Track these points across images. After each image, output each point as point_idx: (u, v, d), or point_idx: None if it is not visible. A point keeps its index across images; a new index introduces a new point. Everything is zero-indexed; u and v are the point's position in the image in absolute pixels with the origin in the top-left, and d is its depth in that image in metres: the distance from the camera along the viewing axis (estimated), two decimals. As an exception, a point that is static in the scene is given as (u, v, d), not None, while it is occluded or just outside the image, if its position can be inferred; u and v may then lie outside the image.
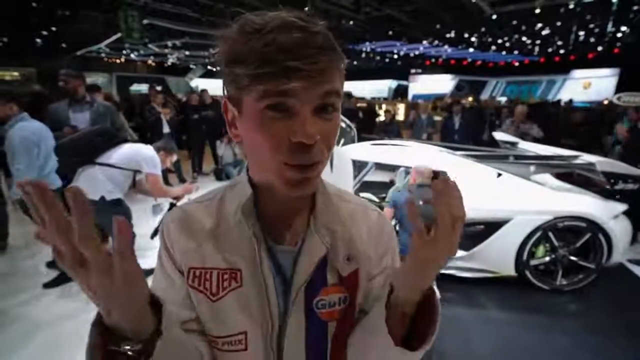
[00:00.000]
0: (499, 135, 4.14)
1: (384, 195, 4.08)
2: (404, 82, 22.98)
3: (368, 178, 3.62)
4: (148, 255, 2.54)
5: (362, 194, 3.95)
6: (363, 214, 0.58)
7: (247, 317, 0.50)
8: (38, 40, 12.09)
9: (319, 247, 0.52)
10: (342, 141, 4.46)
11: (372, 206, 0.60)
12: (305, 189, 0.45)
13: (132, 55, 16.69)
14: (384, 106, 9.71)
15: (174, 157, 2.75)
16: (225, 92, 0.46)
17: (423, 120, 6.70)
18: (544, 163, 3.11)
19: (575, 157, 3.13)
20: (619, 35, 12.61)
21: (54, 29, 10.50)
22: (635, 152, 3.80)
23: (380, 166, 3.57)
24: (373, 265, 0.56)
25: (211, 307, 0.51)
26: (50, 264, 2.89)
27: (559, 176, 3.21)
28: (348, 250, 0.53)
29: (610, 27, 11.55)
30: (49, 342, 2.15)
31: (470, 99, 16.27)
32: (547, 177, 3.15)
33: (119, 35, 8.95)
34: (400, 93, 22.23)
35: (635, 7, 9.02)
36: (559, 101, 12.39)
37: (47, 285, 2.69)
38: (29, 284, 2.74)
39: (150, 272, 2.38)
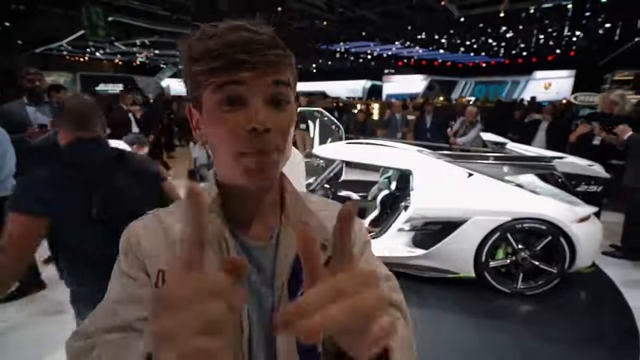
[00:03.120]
0: (486, 136, 4.11)
1: (364, 193, 4.15)
2: (378, 82, 23.40)
3: (348, 177, 3.60)
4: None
5: (342, 193, 3.99)
6: (328, 208, 0.60)
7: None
8: (-10, 36, 11.25)
9: (293, 239, 0.52)
10: (329, 140, 4.50)
11: (335, 203, 0.63)
12: (263, 178, 0.47)
13: (98, 54, 15.89)
14: (358, 105, 9.85)
15: (146, 149, 2.86)
16: (190, 96, 0.49)
17: (397, 119, 6.86)
18: (517, 164, 3.10)
19: (559, 158, 3.03)
20: (574, 39, 13.52)
21: (7, 24, 9.82)
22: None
23: (354, 165, 3.60)
24: None
25: None
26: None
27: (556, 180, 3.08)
28: (321, 238, 0.53)
29: (566, 32, 12.37)
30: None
31: (441, 98, 16.84)
32: (534, 179, 3.08)
33: (82, 32, 8.50)
34: (374, 93, 22.61)
35: (588, 14, 9.71)
36: (522, 100, 13.09)
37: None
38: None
39: None
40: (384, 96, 21.99)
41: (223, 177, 0.53)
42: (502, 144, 3.82)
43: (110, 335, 0.44)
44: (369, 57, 18.77)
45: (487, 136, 4.09)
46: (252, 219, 0.54)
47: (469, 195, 2.76)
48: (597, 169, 2.90)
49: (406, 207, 2.82)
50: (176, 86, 21.10)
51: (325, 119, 4.83)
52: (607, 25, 11.09)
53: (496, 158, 3.25)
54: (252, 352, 0.48)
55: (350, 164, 3.57)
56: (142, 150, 2.88)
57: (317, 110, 4.88)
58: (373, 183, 4.18)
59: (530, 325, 2.46)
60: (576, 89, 16.60)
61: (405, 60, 21.06)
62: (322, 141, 4.55)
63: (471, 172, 2.89)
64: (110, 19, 7.95)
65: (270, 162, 0.46)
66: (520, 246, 2.69)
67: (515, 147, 3.69)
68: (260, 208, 0.54)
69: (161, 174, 1.48)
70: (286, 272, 0.51)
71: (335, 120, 4.89)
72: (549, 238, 2.62)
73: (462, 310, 2.59)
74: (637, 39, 11.78)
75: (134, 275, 0.49)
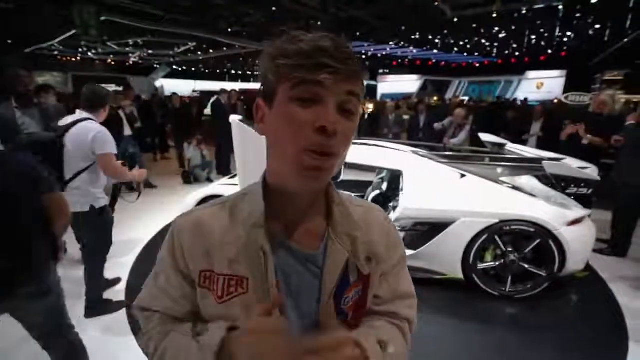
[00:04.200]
0: (485, 137, 4.03)
1: (362, 193, 4.16)
2: (373, 82, 23.48)
3: (347, 177, 3.56)
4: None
5: (341, 193, 3.98)
6: (373, 216, 0.65)
7: None
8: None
9: (342, 253, 0.57)
10: None
11: (376, 207, 0.69)
12: (317, 180, 0.50)
13: (90, 54, 15.71)
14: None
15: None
16: (261, 92, 0.53)
17: (391, 119, 6.89)
18: (506, 165, 3.08)
19: (557, 159, 2.98)
20: (565, 40, 13.70)
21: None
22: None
23: (349, 166, 3.57)
24: (385, 260, 0.64)
25: (217, 307, 0.55)
26: None
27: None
28: (367, 252, 0.60)
29: (557, 32, 12.53)
30: None
31: (435, 98, 16.94)
32: (532, 181, 3.01)
33: (73, 31, 8.40)
34: (369, 93, 22.69)
35: (578, 15, 9.85)
36: (514, 100, 13.24)
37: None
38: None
39: (114, 281, 2.22)
40: (378, 96, 22.07)
41: (277, 177, 0.55)
42: (501, 145, 3.77)
43: (154, 316, 0.61)
44: (364, 57, 18.81)
45: (486, 137, 4.03)
46: (299, 224, 0.57)
47: (458, 197, 2.73)
48: (591, 172, 2.83)
49: (395, 208, 2.81)
50: (170, 86, 20.96)
51: None
52: (597, 26, 11.26)
53: (491, 159, 3.21)
54: None
55: (345, 165, 3.55)
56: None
57: None
58: (371, 183, 4.19)
59: (515, 327, 2.43)
60: (567, 88, 16.83)
61: (400, 61, 21.15)
62: None
63: (464, 173, 2.86)
64: (102, 18, 7.86)
65: (327, 165, 0.49)
66: (509, 249, 2.65)
67: (515, 148, 3.63)
68: (306, 213, 0.58)
69: (47, 184, 1.43)
70: (334, 284, 0.56)
71: None
72: (538, 241, 2.58)
73: (446, 311, 2.55)
74: (626, 40, 11.98)
75: (182, 269, 0.58)
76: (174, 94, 7.63)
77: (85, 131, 2.11)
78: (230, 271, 0.54)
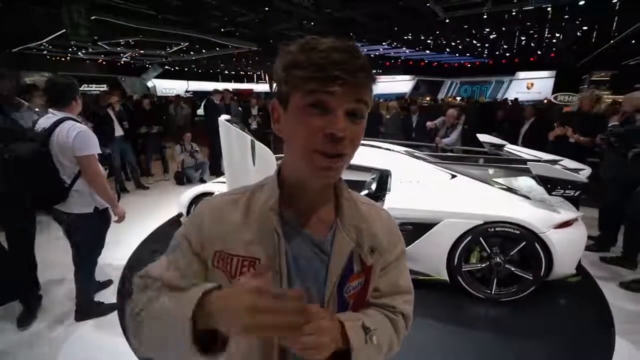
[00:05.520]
0: (483, 137, 3.99)
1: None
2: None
3: (346, 177, 3.51)
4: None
5: None
6: (377, 214, 0.70)
7: None
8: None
9: (348, 243, 0.62)
10: None
11: (379, 205, 0.75)
12: (328, 177, 0.55)
13: (80, 54, 15.48)
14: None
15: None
16: (276, 94, 0.56)
17: (386, 119, 6.92)
18: (501, 166, 3.06)
19: (555, 161, 2.95)
20: (554, 41, 13.93)
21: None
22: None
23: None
24: (387, 252, 0.69)
25: (229, 285, 0.57)
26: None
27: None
28: (371, 243, 0.65)
29: (546, 34, 12.73)
30: None
31: (427, 98, 17.08)
32: (531, 182, 2.92)
33: (63, 31, 8.27)
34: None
35: (567, 17, 10.02)
36: (505, 99, 13.41)
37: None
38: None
39: (105, 284, 2.21)
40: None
41: (291, 170, 0.61)
42: (500, 146, 3.72)
43: (156, 282, 0.59)
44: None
45: (485, 137, 3.99)
46: (310, 213, 0.62)
47: (445, 198, 2.70)
48: (585, 173, 2.77)
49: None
50: (163, 86, 20.76)
51: None
52: (585, 27, 11.47)
53: (485, 160, 3.18)
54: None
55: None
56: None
57: None
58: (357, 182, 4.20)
59: (497, 330, 2.38)
60: (557, 88, 17.12)
61: (393, 61, 21.27)
62: None
63: (455, 173, 2.83)
64: (92, 17, 7.75)
65: (337, 165, 0.54)
66: (495, 251, 2.61)
67: (514, 149, 3.57)
68: (317, 203, 0.63)
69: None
70: (339, 271, 0.61)
71: None
72: (523, 243, 2.53)
73: (430, 313, 2.50)
74: (612, 42, 12.23)
75: (196, 249, 0.61)
76: (143, 96, 6.73)
77: (65, 133, 1.96)
78: (244, 252, 0.59)
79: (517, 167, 3.05)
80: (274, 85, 0.58)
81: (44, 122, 2.03)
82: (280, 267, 0.58)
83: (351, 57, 0.51)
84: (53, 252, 2.87)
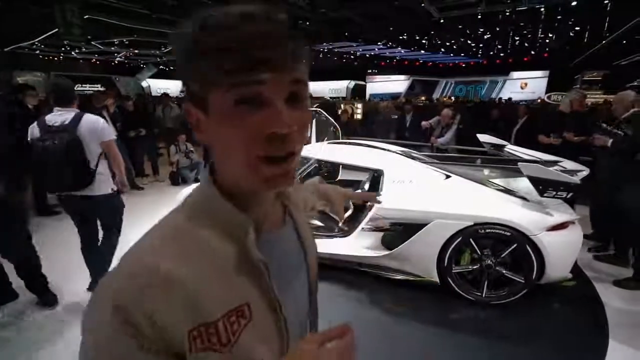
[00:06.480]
0: (483, 138, 3.90)
1: None
2: (362, 82, 23.64)
3: (345, 177, 3.45)
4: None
5: None
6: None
7: (264, 343, 0.46)
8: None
9: (305, 217, 0.60)
10: (325, 139, 4.50)
11: None
12: (285, 183, 0.42)
13: (74, 53, 15.35)
14: (342, 106, 9.93)
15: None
16: (187, 94, 0.42)
17: (381, 118, 6.98)
18: (497, 167, 3.02)
19: (555, 162, 2.89)
20: (548, 41, 14.10)
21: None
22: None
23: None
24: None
25: (227, 357, 0.41)
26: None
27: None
28: (310, 204, 0.67)
29: (540, 34, 12.88)
30: None
31: (422, 98, 17.17)
32: (529, 183, 2.89)
33: (55, 30, 8.20)
34: (358, 93, 22.83)
35: (560, 17, 10.15)
36: (499, 99, 13.54)
37: None
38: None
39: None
40: (367, 96, 22.23)
41: (234, 182, 0.45)
42: (501, 146, 3.64)
43: None
44: (352, 57, 18.94)
45: (484, 138, 3.90)
46: (266, 215, 0.50)
47: (436, 198, 2.66)
48: (574, 177, 2.67)
49: (371, 207, 2.78)
50: (157, 86, 20.64)
51: (323, 118, 4.78)
52: (577, 28, 11.63)
53: (483, 161, 3.14)
54: (287, 329, 0.48)
55: (342, 166, 3.49)
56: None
57: (315, 110, 4.84)
58: (351, 182, 4.20)
59: (487, 332, 2.33)
60: (550, 88, 17.32)
61: (388, 61, 21.36)
62: (319, 141, 4.49)
63: (449, 174, 2.80)
64: (86, 16, 7.70)
65: (291, 167, 0.42)
66: (485, 253, 2.55)
67: (514, 150, 3.51)
68: (269, 203, 0.51)
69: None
70: (314, 250, 0.58)
71: (333, 120, 4.90)
72: (514, 245, 2.45)
73: (418, 314, 2.48)
74: (604, 42, 12.39)
75: (151, 347, 0.36)
76: (126, 97, 6.44)
77: (93, 122, 2.32)
78: (226, 307, 0.42)
79: (508, 167, 3.01)
80: (181, 83, 0.44)
81: (56, 118, 2.26)
82: (270, 295, 0.46)
83: (269, 24, 0.38)
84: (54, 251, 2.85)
